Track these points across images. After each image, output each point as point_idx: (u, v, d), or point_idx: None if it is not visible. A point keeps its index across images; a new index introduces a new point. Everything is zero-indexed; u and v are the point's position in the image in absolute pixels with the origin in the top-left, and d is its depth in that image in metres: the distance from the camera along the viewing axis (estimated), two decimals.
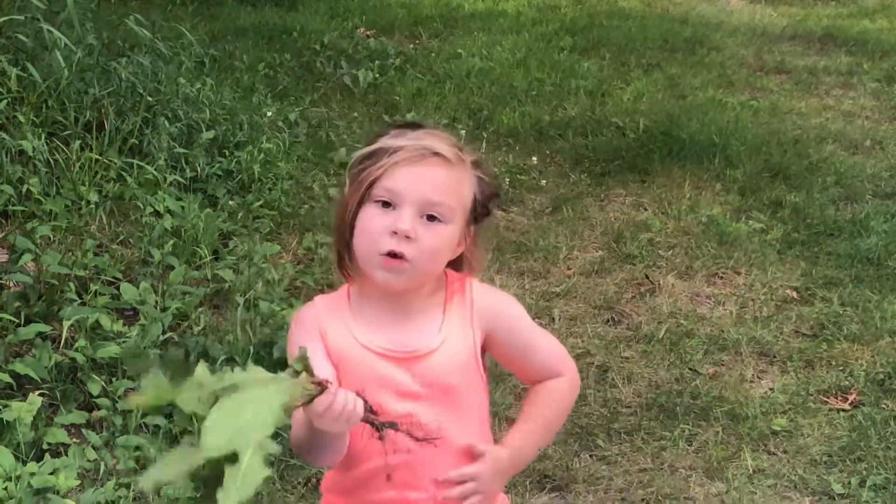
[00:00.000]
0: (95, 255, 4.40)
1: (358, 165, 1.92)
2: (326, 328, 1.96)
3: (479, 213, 1.97)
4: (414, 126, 1.96)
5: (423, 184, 1.87)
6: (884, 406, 3.94)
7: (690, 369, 4.17)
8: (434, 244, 1.88)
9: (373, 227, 1.87)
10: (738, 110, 6.97)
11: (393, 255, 1.87)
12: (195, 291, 4.31)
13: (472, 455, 1.93)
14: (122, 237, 4.65)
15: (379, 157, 1.88)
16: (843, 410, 3.93)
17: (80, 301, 4.05)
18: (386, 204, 1.87)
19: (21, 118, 4.78)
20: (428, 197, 1.87)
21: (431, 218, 1.88)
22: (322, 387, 1.67)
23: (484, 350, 2.00)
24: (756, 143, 6.36)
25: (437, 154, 1.88)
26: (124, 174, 4.90)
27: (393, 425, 1.81)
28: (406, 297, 1.95)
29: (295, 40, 8.01)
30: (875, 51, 8.46)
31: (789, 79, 7.85)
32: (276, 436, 1.56)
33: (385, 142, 1.90)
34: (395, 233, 1.86)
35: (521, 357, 2.02)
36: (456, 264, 2.01)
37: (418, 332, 1.94)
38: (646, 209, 5.58)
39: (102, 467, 3.42)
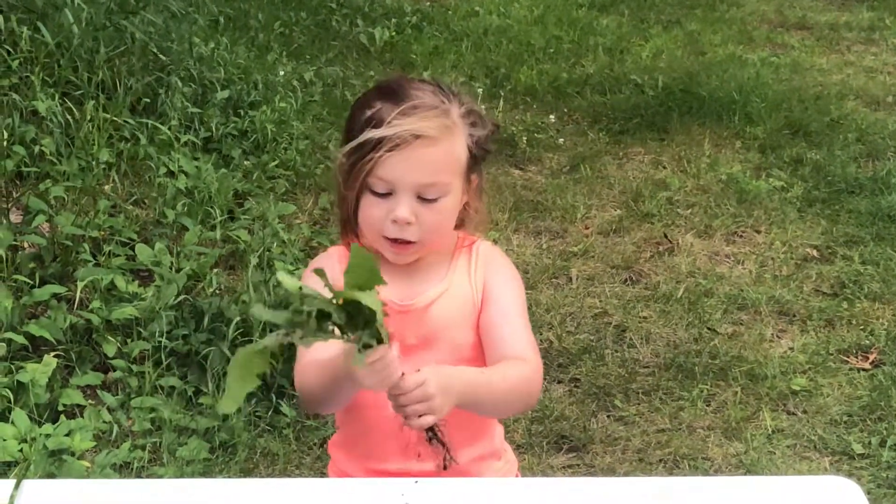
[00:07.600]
0: (110, 215, 4.37)
1: (347, 160, 1.90)
2: (338, 278, 1.96)
3: (478, 157, 1.95)
4: (394, 92, 1.90)
5: (413, 170, 1.85)
6: None
7: (709, 329, 4.14)
8: (436, 220, 1.89)
9: (374, 216, 1.88)
10: (758, 67, 6.89)
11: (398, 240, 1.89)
12: (210, 252, 4.29)
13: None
14: (136, 197, 4.62)
15: (365, 149, 1.86)
16: (864, 370, 3.89)
17: (94, 262, 4.04)
18: (383, 192, 1.87)
19: (33, 78, 4.74)
20: (421, 181, 1.86)
21: (429, 198, 1.88)
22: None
23: None
24: (776, 99, 6.29)
25: (421, 136, 1.85)
26: (137, 134, 4.86)
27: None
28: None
29: None
30: None
31: (810, 35, 7.74)
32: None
33: (368, 133, 1.86)
34: (396, 221, 1.87)
35: (491, 329, 1.94)
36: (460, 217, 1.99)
37: (421, 282, 1.95)
38: (664, 167, 5.52)
39: (117, 429, 3.42)
